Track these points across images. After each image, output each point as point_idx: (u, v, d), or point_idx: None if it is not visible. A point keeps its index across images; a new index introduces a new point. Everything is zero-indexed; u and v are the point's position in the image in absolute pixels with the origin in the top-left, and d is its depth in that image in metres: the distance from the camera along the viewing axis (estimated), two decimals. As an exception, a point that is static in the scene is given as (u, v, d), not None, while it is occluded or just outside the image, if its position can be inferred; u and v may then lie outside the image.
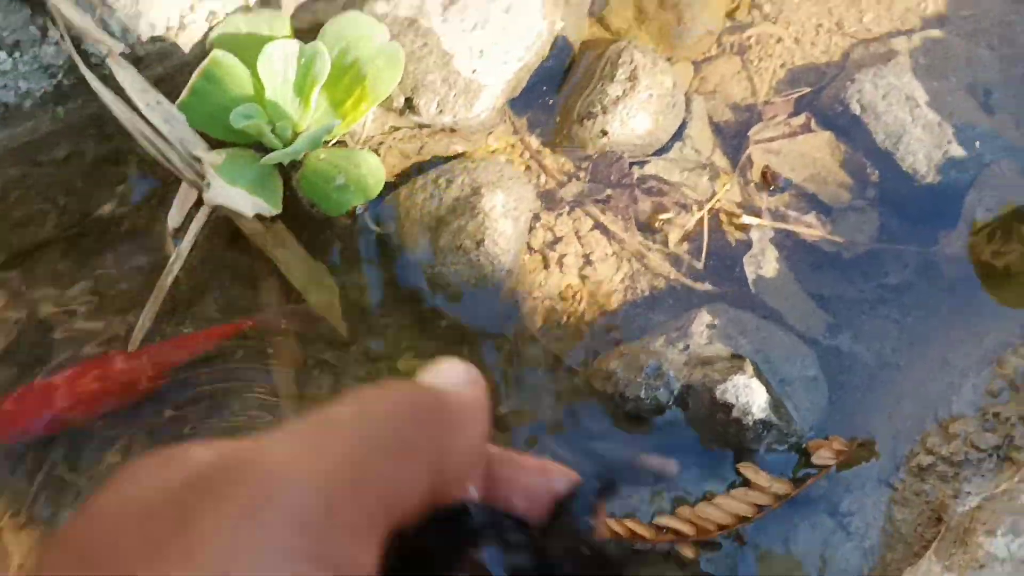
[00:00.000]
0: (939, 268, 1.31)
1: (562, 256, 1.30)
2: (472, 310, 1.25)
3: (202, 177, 1.21)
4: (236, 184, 1.20)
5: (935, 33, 1.46)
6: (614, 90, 1.28)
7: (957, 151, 1.33)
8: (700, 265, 1.30)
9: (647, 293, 1.30)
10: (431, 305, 1.25)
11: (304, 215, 1.27)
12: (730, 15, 1.47)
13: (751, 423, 1.15)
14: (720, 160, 1.37)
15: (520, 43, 1.29)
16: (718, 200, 1.30)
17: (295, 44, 1.22)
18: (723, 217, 1.31)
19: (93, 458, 1.15)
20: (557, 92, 1.38)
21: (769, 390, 1.17)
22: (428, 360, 1.24)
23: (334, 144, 1.29)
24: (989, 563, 1.00)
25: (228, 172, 1.20)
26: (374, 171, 1.23)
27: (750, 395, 1.16)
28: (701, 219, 1.30)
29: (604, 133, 1.28)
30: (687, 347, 1.22)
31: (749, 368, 1.18)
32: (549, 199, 1.32)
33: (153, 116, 1.22)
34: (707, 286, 1.30)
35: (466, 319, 1.25)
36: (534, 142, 1.36)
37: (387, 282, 1.28)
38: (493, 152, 1.34)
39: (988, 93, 1.42)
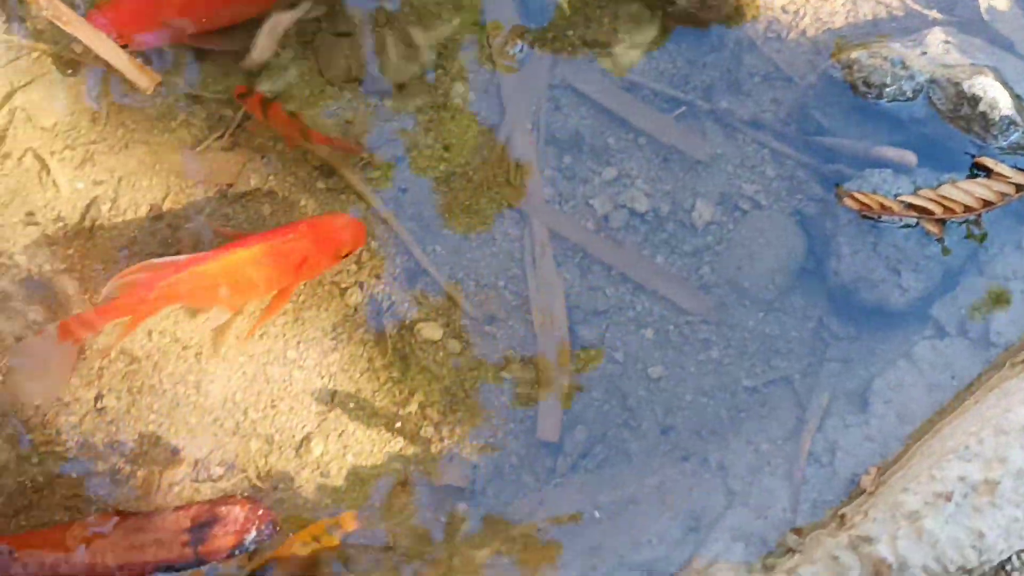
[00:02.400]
0: None
1: (787, -30, 1.30)
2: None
3: None
4: None
5: None
6: None
7: None
8: (930, -12, 1.30)
9: (869, 17, 1.30)
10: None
11: None
12: None
13: (998, 118, 1.15)
14: None
15: None
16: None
17: None
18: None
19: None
20: None
21: (1012, 96, 1.17)
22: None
23: None
24: None
25: None
26: None
27: (997, 91, 1.16)
28: (936, -59, 1.30)
29: None
30: (925, 53, 1.22)
31: (991, 74, 1.18)
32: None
33: None
34: (935, 13, 1.30)
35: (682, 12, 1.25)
36: None
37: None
38: None
39: None
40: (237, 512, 0.95)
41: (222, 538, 0.94)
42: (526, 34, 1.24)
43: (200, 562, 0.93)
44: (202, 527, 0.93)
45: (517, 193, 1.19)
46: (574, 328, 1.14)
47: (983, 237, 1.14)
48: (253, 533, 0.94)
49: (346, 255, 1.09)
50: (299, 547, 0.97)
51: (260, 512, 0.95)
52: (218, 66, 1.18)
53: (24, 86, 1.13)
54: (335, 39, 1.23)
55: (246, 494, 1.00)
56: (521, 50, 1.24)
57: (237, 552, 0.94)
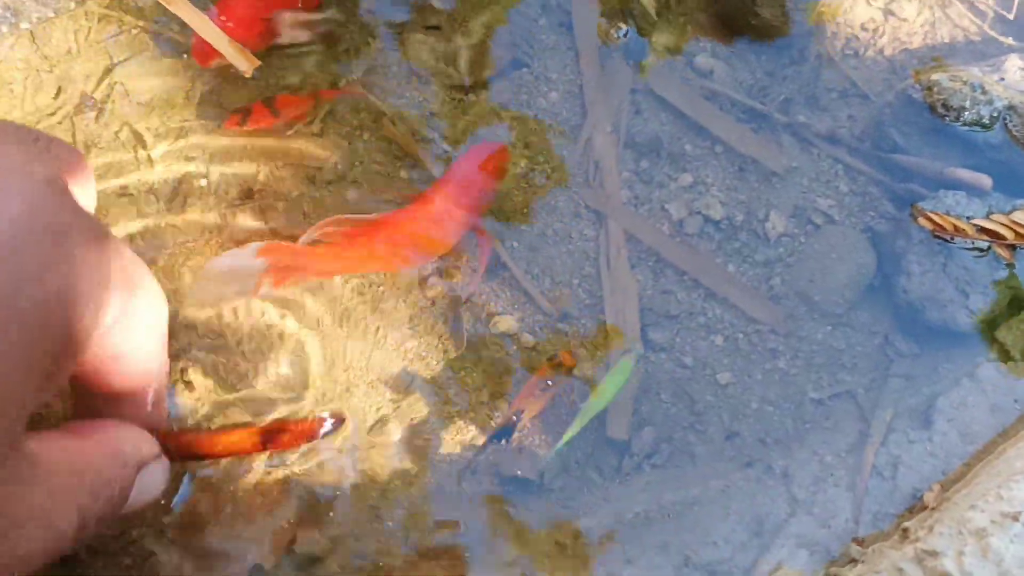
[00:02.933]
0: None
1: (869, -12, 1.33)
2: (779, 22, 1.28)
3: None
4: None
5: None
6: None
7: None
8: (1011, 15, 1.32)
9: (947, 40, 1.33)
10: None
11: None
12: None
13: (1074, 148, 1.17)
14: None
15: None
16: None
17: None
18: (1041, -32, 1.34)
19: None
20: None
21: (1088, 126, 1.19)
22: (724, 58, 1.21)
23: None
24: None
25: None
26: None
27: (1074, 122, 1.18)
28: (1018, -31, 1.33)
29: None
30: (1002, 79, 1.24)
31: (1070, 102, 1.20)
32: (861, -69, 1.36)
33: None
34: (1010, 40, 1.32)
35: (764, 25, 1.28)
36: None
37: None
38: None
39: None
40: (304, 426, 1.01)
41: (288, 443, 1.00)
42: (630, 18, 1.28)
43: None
44: (272, 433, 1.00)
45: (595, 194, 1.22)
46: (645, 330, 1.17)
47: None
48: (318, 439, 1.01)
49: (501, 177, 1.17)
50: (549, 371, 1.10)
51: (327, 425, 1.01)
52: (311, 55, 1.21)
53: (123, 61, 1.16)
54: (423, 32, 1.26)
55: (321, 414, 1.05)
56: (626, 34, 1.27)
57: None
